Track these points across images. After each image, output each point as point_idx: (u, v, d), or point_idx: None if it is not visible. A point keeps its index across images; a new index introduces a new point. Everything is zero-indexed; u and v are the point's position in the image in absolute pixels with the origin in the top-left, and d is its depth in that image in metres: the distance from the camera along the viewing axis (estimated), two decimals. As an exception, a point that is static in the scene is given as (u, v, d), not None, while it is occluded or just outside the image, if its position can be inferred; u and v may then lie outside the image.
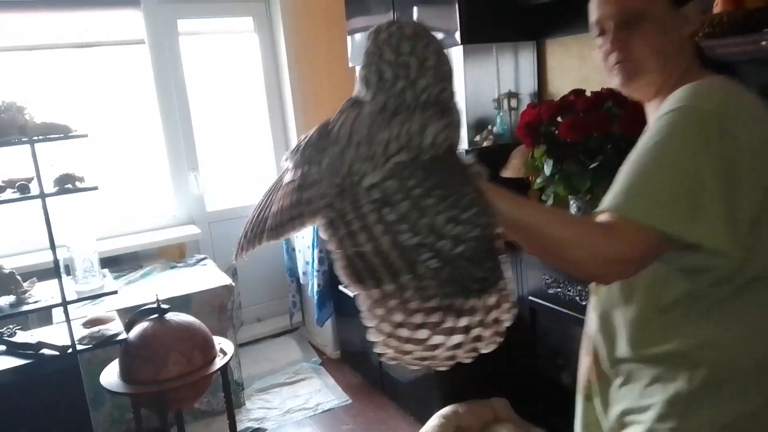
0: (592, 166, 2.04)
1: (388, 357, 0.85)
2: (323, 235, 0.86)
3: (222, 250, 3.81)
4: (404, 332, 0.82)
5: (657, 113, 1.00)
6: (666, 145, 0.94)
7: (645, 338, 1.05)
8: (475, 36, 2.70)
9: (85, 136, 2.23)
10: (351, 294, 0.85)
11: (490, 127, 2.87)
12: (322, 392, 3.28)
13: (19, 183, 2.16)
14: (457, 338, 0.82)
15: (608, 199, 0.97)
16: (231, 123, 4.01)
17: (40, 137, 2.10)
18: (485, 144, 2.82)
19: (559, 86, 2.78)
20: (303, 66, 3.92)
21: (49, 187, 2.16)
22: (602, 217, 0.96)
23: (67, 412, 2.31)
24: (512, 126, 2.82)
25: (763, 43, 1.63)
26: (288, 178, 0.92)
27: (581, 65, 2.57)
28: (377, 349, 0.85)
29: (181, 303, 2.81)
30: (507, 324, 0.84)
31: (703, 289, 0.98)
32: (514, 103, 2.90)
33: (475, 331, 0.82)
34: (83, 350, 2.25)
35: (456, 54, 2.82)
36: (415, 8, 2.97)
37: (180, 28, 3.74)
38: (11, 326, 2.34)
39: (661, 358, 1.03)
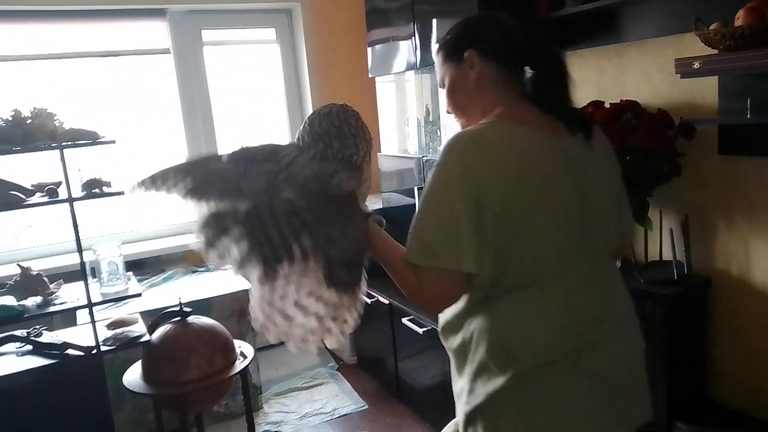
0: (609, 177, 2.05)
1: (258, 324, 1.17)
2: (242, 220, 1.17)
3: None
4: (279, 304, 1.16)
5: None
6: (430, 197, 1.14)
7: (445, 330, 1.30)
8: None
9: (113, 142, 2.26)
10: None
11: (508, 137, 2.89)
12: (339, 397, 3.31)
13: (47, 187, 2.21)
14: (313, 323, 1.17)
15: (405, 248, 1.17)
16: (252, 130, 4.07)
17: (69, 143, 2.15)
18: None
19: (578, 98, 2.72)
20: (323, 76, 3.98)
21: (77, 192, 2.21)
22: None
23: (90, 411, 2.36)
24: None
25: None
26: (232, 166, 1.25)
27: (600, 77, 2.58)
28: (251, 313, 1.15)
29: (202, 306, 2.86)
30: (350, 327, 1.19)
31: (478, 298, 1.19)
32: (532, 113, 2.91)
33: (327, 323, 1.17)
34: (107, 351, 2.30)
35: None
36: (434, 20, 3.01)
37: (204, 38, 3.82)
38: (37, 326, 2.40)
39: (457, 348, 1.26)
